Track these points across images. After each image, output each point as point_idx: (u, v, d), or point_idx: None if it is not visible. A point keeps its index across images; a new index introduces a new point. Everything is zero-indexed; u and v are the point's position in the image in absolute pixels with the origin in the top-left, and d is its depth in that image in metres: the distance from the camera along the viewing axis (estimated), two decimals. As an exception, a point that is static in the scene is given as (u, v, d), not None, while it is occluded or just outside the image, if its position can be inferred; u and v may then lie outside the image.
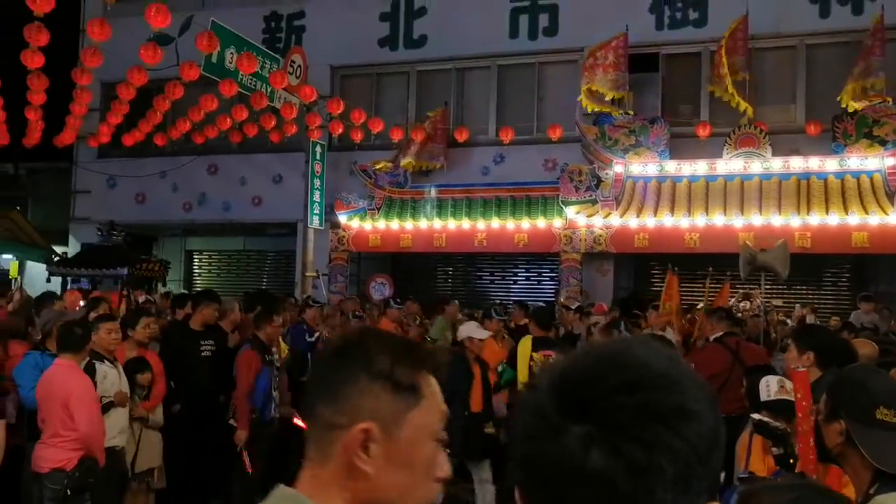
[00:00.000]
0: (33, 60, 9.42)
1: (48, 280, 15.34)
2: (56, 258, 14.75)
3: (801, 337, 3.93)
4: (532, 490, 0.89)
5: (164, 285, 14.44)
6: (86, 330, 5.02)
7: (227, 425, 6.50)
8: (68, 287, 13.12)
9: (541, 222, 12.66)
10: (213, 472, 6.73)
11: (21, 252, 15.47)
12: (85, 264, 13.66)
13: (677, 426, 0.84)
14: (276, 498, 1.20)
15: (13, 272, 16.48)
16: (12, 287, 7.13)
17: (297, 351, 8.77)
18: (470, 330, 6.74)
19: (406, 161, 13.65)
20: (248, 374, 6.46)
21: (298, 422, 7.53)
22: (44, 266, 15.69)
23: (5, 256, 16.49)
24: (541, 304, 11.00)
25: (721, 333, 6.52)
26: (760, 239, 11.35)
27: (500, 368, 7.43)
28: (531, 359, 6.62)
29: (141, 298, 9.93)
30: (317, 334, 9.18)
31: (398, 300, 10.86)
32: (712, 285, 9.98)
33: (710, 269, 9.90)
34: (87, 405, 4.69)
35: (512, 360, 7.15)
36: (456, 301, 10.62)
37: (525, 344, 6.78)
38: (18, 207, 16.83)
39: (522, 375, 6.68)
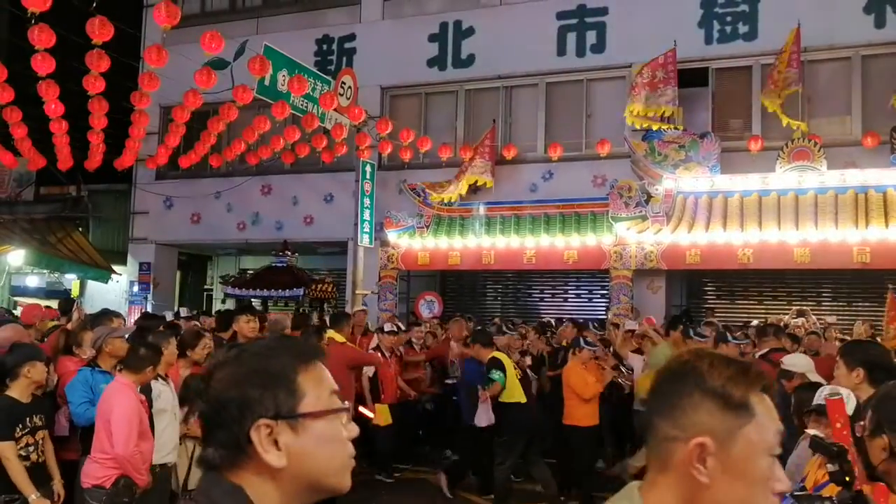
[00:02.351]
0: (94, 86, 9.74)
1: (223, 301, 14.95)
2: (231, 279, 14.48)
3: (850, 353, 3.65)
4: None
5: (335, 306, 14.05)
6: (152, 351, 4.93)
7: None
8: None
9: (590, 239, 12.54)
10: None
11: (83, 271, 15.94)
12: (260, 286, 13.54)
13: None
14: (622, 493, 1.37)
15: (75, 291, 17.00)
16: (74, 306, 7.31)
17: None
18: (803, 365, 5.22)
19: (452, 193, 13.68)
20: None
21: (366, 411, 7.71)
22: (105, 285, 16.15)
23: (68, 276, 17.00)
24: (593, 320, 10.88)
25: (766, 350, 6.37)
26: (816, 254, 11.11)
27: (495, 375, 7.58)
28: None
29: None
30: None
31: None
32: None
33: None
34: (126, 427, 4.59)
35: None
36: (680, 326, 8.98)
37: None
38: (81, 228, 17.40)
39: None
